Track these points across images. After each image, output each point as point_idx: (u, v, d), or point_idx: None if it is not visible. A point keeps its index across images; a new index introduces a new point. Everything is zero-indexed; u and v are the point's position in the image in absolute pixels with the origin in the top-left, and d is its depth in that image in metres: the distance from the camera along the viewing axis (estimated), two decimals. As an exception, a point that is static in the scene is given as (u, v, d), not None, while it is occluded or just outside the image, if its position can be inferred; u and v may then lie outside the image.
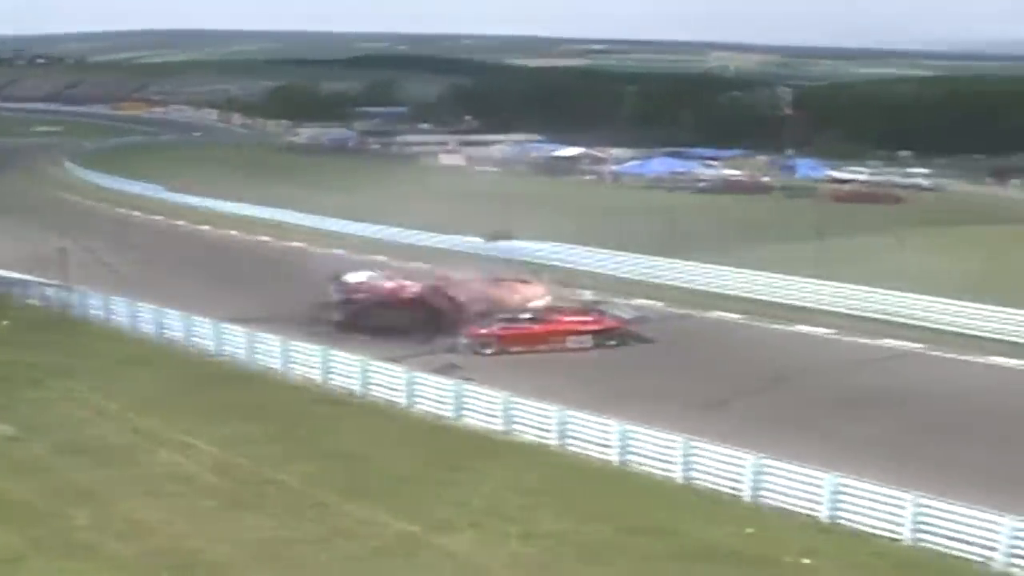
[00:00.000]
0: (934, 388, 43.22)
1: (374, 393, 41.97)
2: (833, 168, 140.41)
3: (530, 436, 37.53)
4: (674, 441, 34.54)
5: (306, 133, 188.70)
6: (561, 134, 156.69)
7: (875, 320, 53.28)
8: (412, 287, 52.08)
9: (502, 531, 29.79)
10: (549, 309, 50.10)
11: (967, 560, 28.62)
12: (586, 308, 50.99)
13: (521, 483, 33.65)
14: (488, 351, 47.67)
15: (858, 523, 30.50)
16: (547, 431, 37.23)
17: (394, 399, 41.26)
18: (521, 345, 47.94)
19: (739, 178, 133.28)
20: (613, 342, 48.94)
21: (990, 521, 28.68)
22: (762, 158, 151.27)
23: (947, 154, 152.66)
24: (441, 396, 40.28)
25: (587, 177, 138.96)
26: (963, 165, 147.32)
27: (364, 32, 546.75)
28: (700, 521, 31.00)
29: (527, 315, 49.41)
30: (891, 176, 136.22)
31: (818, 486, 31.42)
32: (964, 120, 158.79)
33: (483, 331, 48.38)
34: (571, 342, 48.44)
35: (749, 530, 30.43)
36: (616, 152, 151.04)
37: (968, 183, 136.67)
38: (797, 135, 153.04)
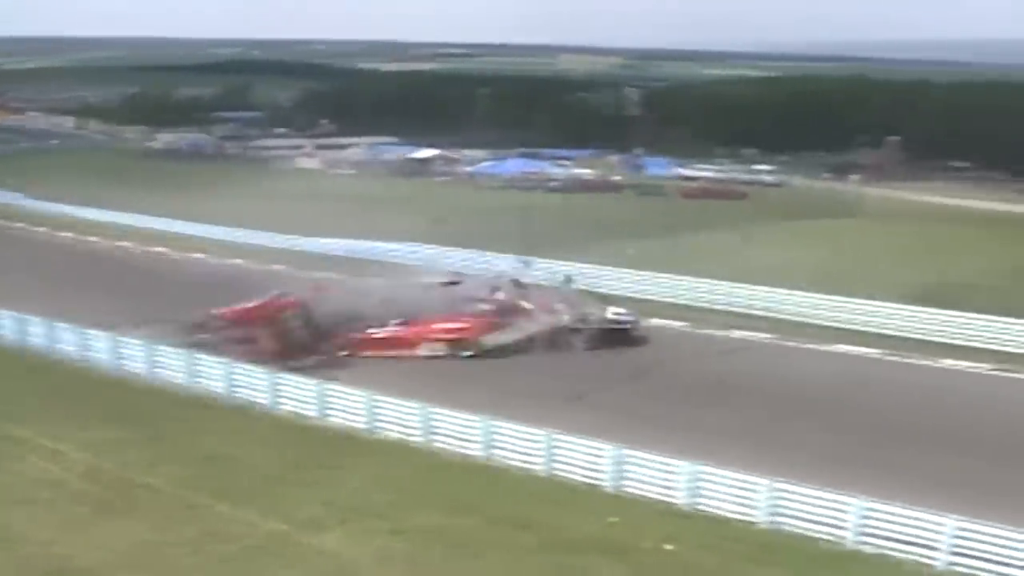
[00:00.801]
0: (785, 376, 43.95)
1: (239, 395, 41.53)
2: (681, 166, 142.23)
3: (394, 433, 37.49)
4: (537, 435, 34.80)
5: (163, 139, 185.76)
6: (416, 136, 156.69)
7: (726, 312, 54.00)
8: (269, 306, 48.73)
9: (371, 527, 29.91)
10: (419, 315, 48.30)
11: (820, 540, 29.36)
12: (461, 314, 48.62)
13: (388, 480, 33.71)
14: (343, 354, 46.43)
15: (717, 509, 31.09)
16: (411, 428, 37.25)
17: (258, 400, 40.89)
18: (374, 350, 46.80)
19: (591, 177, 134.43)
20: (469, 352, 47.03)
21: (840, 502, 29.45)
22: (612, 157, 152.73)
23: (789, 151, 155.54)
24: (304, 396, 40.04)
25: (442, 178, 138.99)
26: (804, 162, 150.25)
27: (218, 38, 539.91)
28: (565, 512, 31.28)
29: (394, 322, 47.91)
30: (737, 173, 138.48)
31: (677, 474, 31.92)
32: (804, 118, 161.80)
33: (344, 336, 47.25)
34: (424, 349, 47.15)
35: (612, 519, 30.78)
36: (470, 153, 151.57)
37: (809, 179, 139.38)
38: (645, 134, 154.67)
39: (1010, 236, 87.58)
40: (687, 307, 55.31)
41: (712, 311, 54.46)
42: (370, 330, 47.62)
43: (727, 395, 41.73)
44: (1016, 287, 61.27)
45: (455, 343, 47.27)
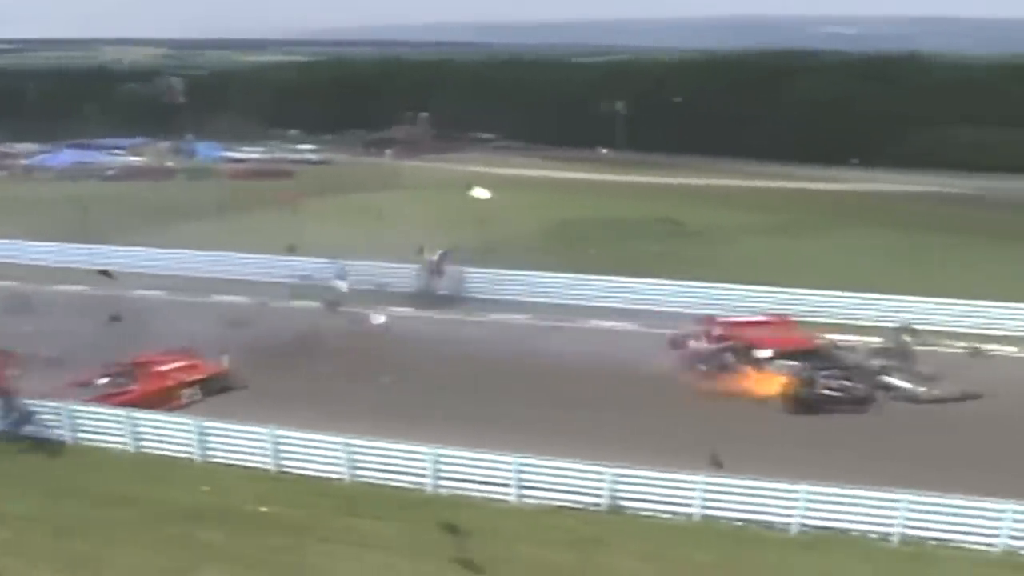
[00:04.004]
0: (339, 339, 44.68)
1: None
2: (229, 149, 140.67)
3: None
4: (118, 415, 34.26)
5: None
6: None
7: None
8: None
9: (-33, 519, 28.88)
10: (136, 364, 39.05)
11: (401, 488, 30.37)
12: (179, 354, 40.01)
13: (-19, 471, 32.50)
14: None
15: (303, 469, 31.69)
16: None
17: None
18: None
19: (144, 164, 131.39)
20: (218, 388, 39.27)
21: (414, 452, 30.53)
22: (164, 144, 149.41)
23: (331, 131, 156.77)
24: None
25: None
26: (346, 140, 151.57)
27: None
28: (160, 486, 31.23)
29: (108, 377, 38.03)
30: (283, 153, 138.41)
31: (262, 441, 32.12)
32: (343, 100, 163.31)
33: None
34: (185, 397, 38.25)
35: (204, 488, 30.89)
36: (23, 147, 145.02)
37: (351, 155, 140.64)
38: (194, 121, 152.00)
39: (535, 198, 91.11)
40: (253, 283, 54.67)
41: (272, 284, 54.13)
42: (101, 383, 37.71)
43: (291, 359, 41.72)
44: (542, 245, 64.36)
45: (207, 382, 39.25)
